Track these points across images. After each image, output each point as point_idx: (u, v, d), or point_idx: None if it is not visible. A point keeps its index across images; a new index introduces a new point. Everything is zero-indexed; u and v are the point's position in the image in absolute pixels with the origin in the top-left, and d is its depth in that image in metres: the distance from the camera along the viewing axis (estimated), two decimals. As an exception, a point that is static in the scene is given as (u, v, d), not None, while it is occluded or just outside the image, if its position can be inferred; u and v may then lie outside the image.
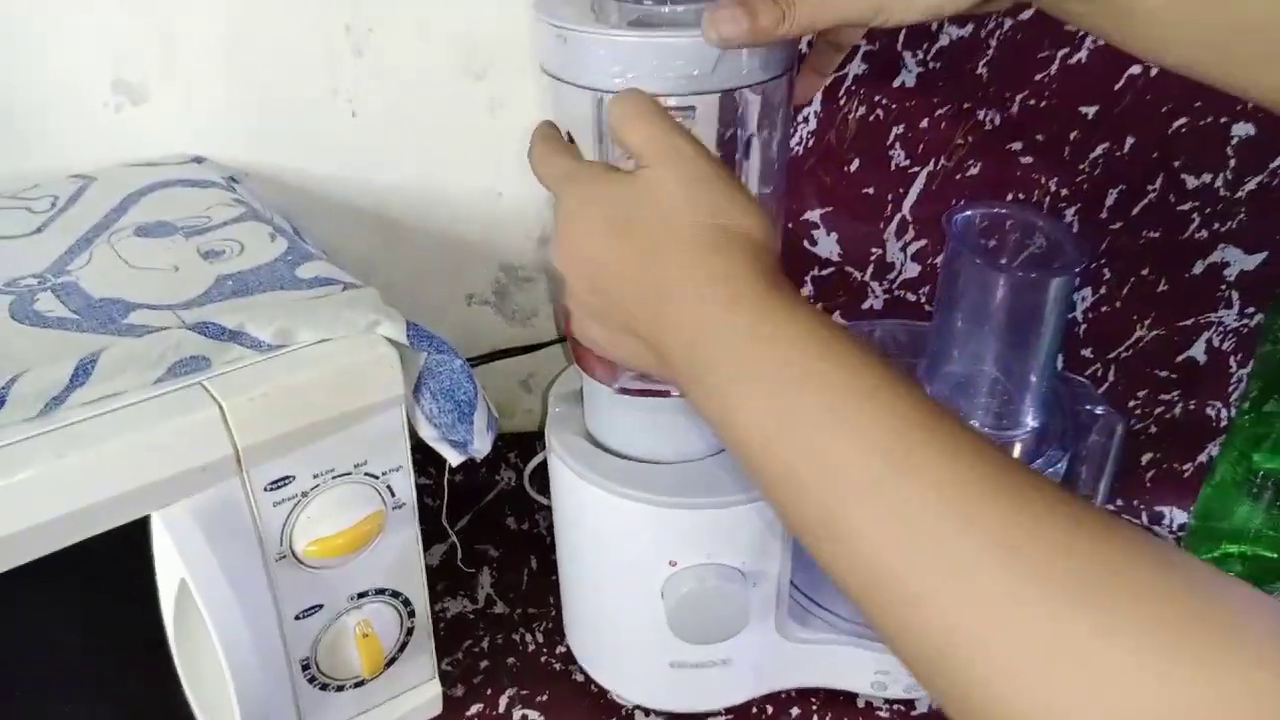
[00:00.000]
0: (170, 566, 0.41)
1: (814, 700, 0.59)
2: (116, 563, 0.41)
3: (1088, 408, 0.58)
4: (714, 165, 0.38)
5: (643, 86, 0.41)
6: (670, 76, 0.42)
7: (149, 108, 0.62)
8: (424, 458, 0.49)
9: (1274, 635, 0.25)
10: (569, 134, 0.48)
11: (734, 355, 0.34)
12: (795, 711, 0.58)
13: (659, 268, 0.36)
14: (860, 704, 0.59)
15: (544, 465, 0.71)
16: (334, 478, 0.45)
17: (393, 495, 0.48)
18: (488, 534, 0.71)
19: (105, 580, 0.41)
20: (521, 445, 0.77)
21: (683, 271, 0.36)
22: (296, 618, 0.47)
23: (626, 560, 0.53)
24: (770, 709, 0.58)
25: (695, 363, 0.36)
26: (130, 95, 0.62)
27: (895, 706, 0.59)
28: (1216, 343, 0.70)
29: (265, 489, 0.43)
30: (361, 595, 0.49)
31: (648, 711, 0.58)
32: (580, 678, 0.60)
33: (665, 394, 0.49)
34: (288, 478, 0.44)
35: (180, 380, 0.41)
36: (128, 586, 0.42)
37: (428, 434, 0.48)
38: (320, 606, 0.48)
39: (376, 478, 0.47)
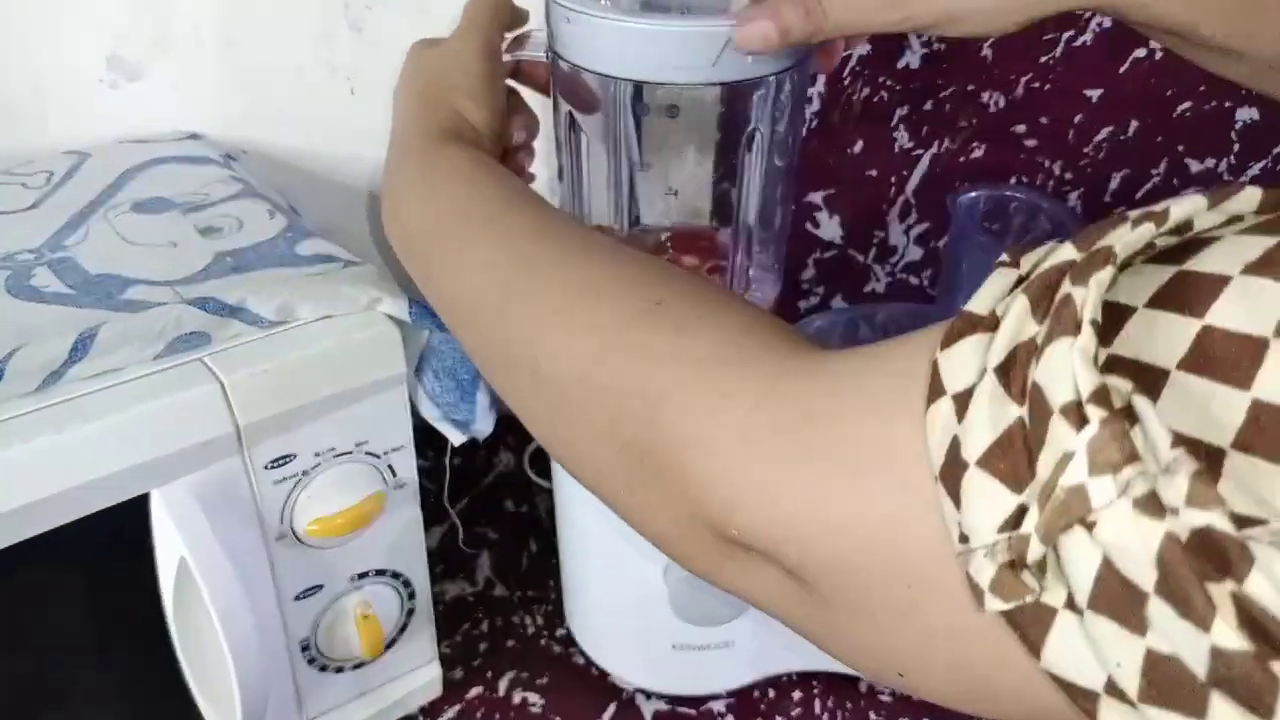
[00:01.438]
0: (169, 545, 0.40)
1: (816, 684, 0.59)
2: (115, 540, 0.40)
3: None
4: (477, 52, 0.44)
5: (648, 75, 0.41)
6: (677, 66, 0.41)
7: (145, 84, 0.62)
8: (422, 438, 0.48)
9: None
10: (570, 113, 0.47)
11: (410, 191, 0.41)
12: (797, 695, 0.58)
13: (401, 116, 0.44)
14: (862, 688, 0.59)
15: (542, 448, 0.71)
16: (335, 456, 0.45)
17: (394, 475, 0.47)
18: (487, 516, 0.71)
19: (103, 558, 0.41)
20: (520, 427, 0.77)
21: (404, 118, 0.44)
22: (296, 598, 0.47)
23: (629, 543, 0.52)
24: (772, 692, 0.58)
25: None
26: (126, 72, 0.61)
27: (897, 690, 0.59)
28: (1218, 328, 0.70)
29: (266, 467, 0.43)
30: (362, 576, 0.48)
31: (649, 694, 0.58)
32: (581, 660, 0.60)
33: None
34: (289, 456, 0.43)
35: (180, 356, 0.41)
36: (126, 565, 0.41)
37: (430, 413, 0.48)
38: (320, 587, 0.47)
39: (378, 457, 0.46)
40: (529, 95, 0.49)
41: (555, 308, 0.33)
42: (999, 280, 0.22)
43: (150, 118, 0.62)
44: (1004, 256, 0.23)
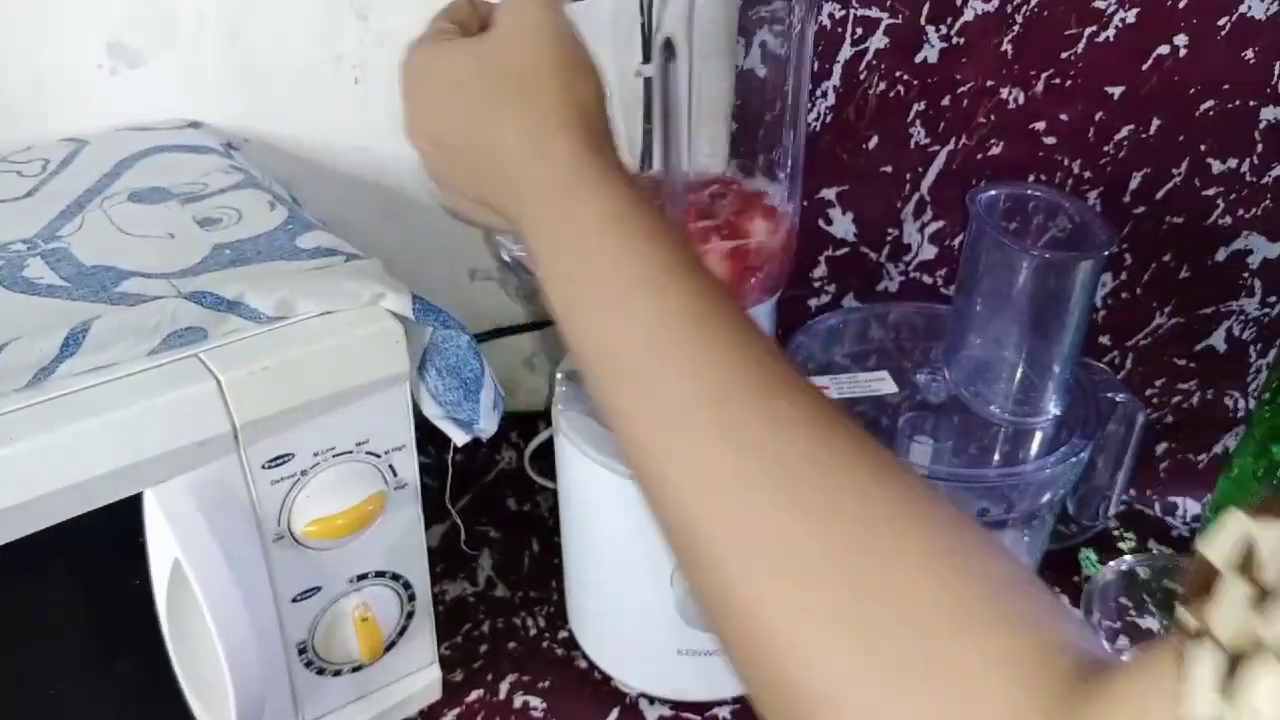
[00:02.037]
0: (163, 546, 0.39)
1: (822, 690, 0.58)
2: (107, 541, 0.39)
3: (1108, 395, 0.57)
4: (549, 23, 0.37)
5: None
6: None
7: (145, 71, 0.60)
8: (422, 435, 0.47)
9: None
10: None
11: (540, 229, 0.36)
12: (803, 702, 0.57)
13: (486, 128, 0.37)
14: (869, 695, 0.57)
15: (544, 446, 0.70)
16: (334, 456, 0.43)
17: (395, 475, 0.46)
18: (488, 515, 0.69)
19: (95, 560, 0.40)
20: (523, 425, 0.76)
21: (501, 135, 0.37)
22: (293, 600, 0.45)
23: (634, 544, 0.51)
24: (777, 699, 0.57)
25: (520, 220, 0.37)
26: (126, 59, 0.60)
27: (905, 698, 0.57)
28: (1237, 332, 0.68)
29: (263, 467, 0.41)
30: (361, 577, 0.47)
31: (652, 699, 0.57)
32: (583, 664, 0.59)
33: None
34: (287, 455, 0.42)
35: (176, 352, 0.40)
36: (119, 566, 0.40)
37: (432, 412, 0.46)
38: (318, 589, 0.46)
39: (378, 456, 0.45)
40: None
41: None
42: (1203, 665, 0.19)
43: (150, 106, 0.61)
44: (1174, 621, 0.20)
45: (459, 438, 0.47)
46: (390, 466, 0.46)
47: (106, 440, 0.37)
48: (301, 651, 0.47)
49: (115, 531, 0.39)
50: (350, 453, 0.44)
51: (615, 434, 0.33)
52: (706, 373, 0.31)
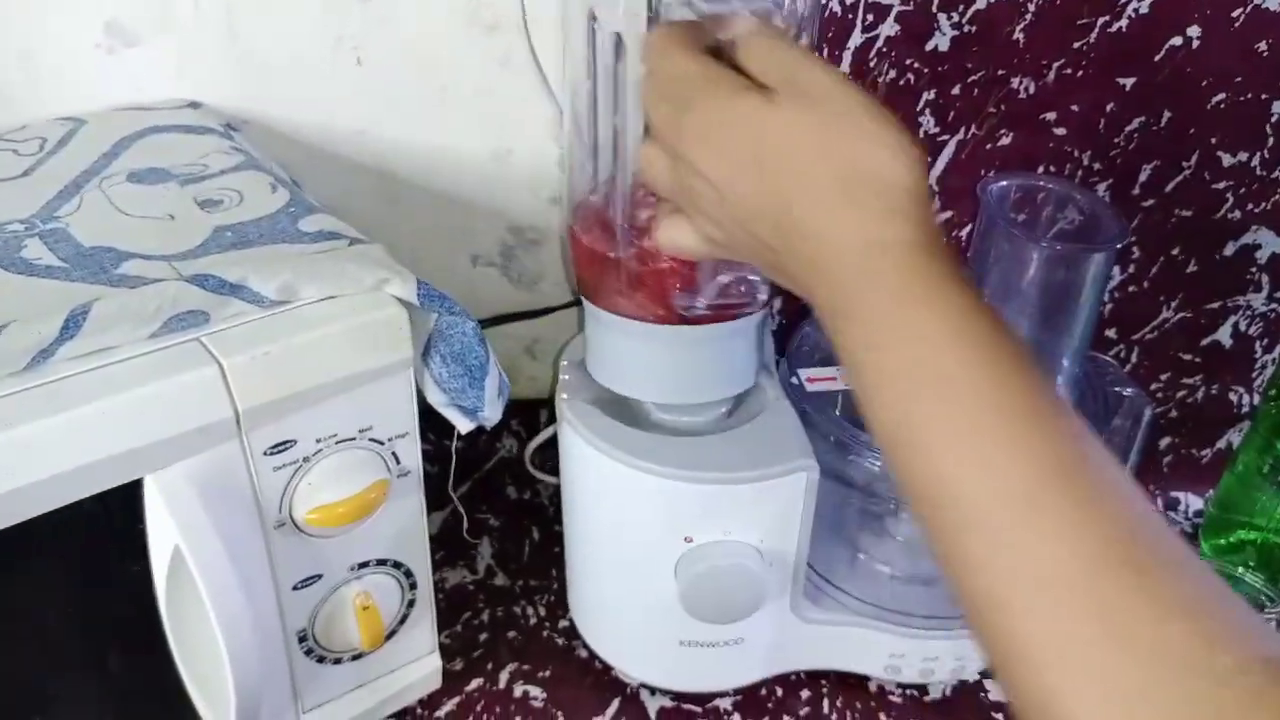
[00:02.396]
0: (164, 533, 0.39)
1: (824, 682, 0.57)
2: (107, 528, 0.39)
3: (1115, 389, 0.57)
4: (849, 97, 0.33)
5: None
6: None
7: (143, 50, 0.59)
8: (424, 423, 0.46)
9: None
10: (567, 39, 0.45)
11: (867, 332, 0.32)
12: (805, 694, 0.57)
13: (795, 213, 0.33)
14: (872, 687, 0.57)
15: (547, 448, 0.69)
16: (337, 443, 0.43)
17: (398, 463, 0.45)
18: (488, 502, 0.69)
19: (94, 547, 0.39)
20: (524, 413, 0.75)
21: (819, 222, 0.32)
22: (294, 588, 0.45)
23: (639, 535, 0.51)
24: (780, 691, 0.57)
25: (835, 317, 0.33)
26: (123, 37, 0.59)
27: (908, 691, 0.57)
28: (1243, 327, 0.68)
29: (265, 453, 0.41)
30: (362, 566, 0.47)
31: (654, 690, 0.57)
32: (584, 653, 0.58)
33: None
34: (289, 442, 0.41)
35: (177, 336, 0.39)
36: (118, 553, 0.40)
37: (436, 399, 0.46)
38: (319, 577, 0.45)
39: (381, 444, 0.44)
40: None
41: None
42: None
43: (148, 85, 0.60)
44: None
45: (463, 426, 0.46)
46: (393, 454, 0.45)
47: (106, 425, 0.36)
48: (302, 640, 0.46)
49: (115, 518, 0.38)
50: (353, 440, 0.43)
51: (944, 576, 0.30)
52: (1079, 539, 0.27)
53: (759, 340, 0.51)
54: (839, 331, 0.33)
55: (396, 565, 0.48)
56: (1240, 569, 0.66)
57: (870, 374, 0.32)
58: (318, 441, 0.42)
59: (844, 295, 0.32)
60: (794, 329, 0.60)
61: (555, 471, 0.63)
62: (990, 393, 0.29)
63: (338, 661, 0.49)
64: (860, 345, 0.32)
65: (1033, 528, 0.28)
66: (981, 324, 0.30)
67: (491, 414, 0.47)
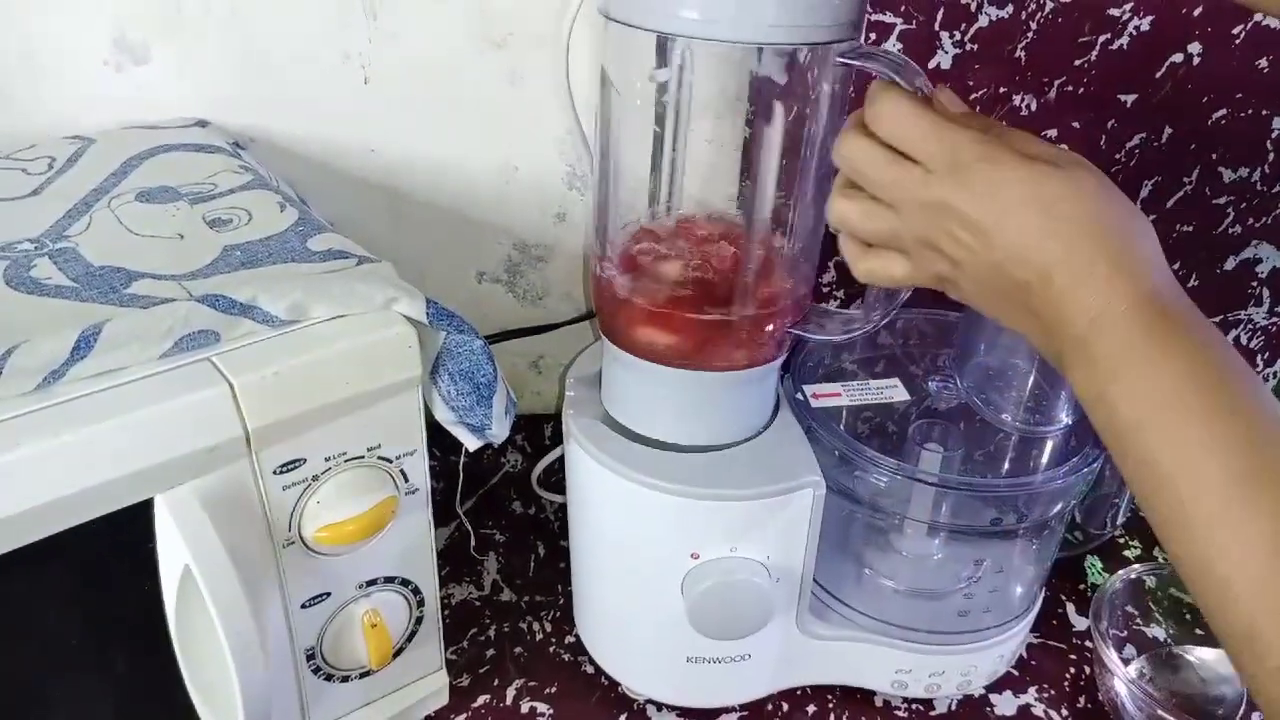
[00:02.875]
0: (174, 552, 0.39)
1: (830, 697, 0.57)
2: (117, 547, 0.39)
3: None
4: (1111, 186, 0.38)
5: (716, 34, 0.40)
6: (748, 22, 0.40)
7: (151, 68, 0.60)
8: (429, 439, 0.46)
9: None
10: (603, 71, 0.46)
11: (1117, 364, 0.35)
12: (812, 709, 0.57)
13: (1072, 254, 0.36)
14: (878, 702, 0.57)
15: (552, 465, 0.69)
16: (346, 461, 0.43)
17: (406, 480, 0.45)
18: (493, 518, 0.69)
19: (105, 566, 0.39)
20: (530, 428, 0.75)
21: (1092, 265, 0.36)
22: (303, 606, 0.45)
23: (645, 551, 0.51)
24: (786, 706, 0.57)
25: (1083, 350, 0.36)
26: (132, 54, 0.59)
27: (914, 706, 0.57)
28: (1244, 341, 0.68)
29: (275, 472, 0.41)
30: (370, 583, 0.47)
31: (660, 706, 0.57)
32: (590, 669, 0.58)
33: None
34: (298, 460, 0.41)
35: (188, 355, 0.39)
36: (128, 572, 0.40)
37: (444, 417, 0.46)
38: (328, 594, 0.46)
39: (390, 461, 0.44)
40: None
41: None
42: None
43: (156, 102, 0.60)
44: None
45: (471, 443, 0.47)
46: (401, 471, 0.45)
47: (117, 445, 0.36)
48: (310, 658, 0.46)
49: (125, 537, 0.38)
50: (362, 458, 0.43)
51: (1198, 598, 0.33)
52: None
53: (776, 383, 0.53)
54: (1079, 365, 0.37)
55: (404, 583, 0.48)
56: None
57: (1118, 405, 0.35)
58: (327, 460, 0.42)
59: (1093, 329, 0.36)
60: (797, 346, 0.61)
61: (560, 488, 0.63)
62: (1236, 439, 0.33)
63: (345, 679, 0.49)
64: (1104, 375, 0.36)
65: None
66: (1215, 362, 0.34)
67: (499, 431, 0.47)
